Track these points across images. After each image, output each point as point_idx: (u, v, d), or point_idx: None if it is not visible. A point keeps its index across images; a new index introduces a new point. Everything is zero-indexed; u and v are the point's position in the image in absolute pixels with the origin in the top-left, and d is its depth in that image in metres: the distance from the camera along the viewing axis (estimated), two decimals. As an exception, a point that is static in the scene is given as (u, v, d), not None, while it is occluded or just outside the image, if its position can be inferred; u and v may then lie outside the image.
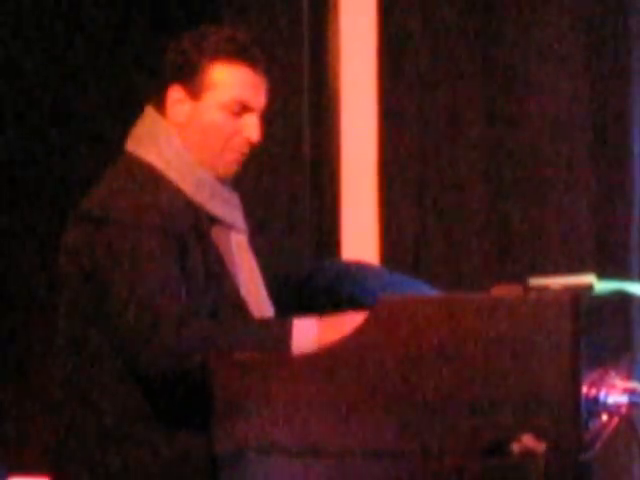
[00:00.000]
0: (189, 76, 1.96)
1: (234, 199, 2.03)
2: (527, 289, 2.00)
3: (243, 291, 1.98)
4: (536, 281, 2.08)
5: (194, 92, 1.96)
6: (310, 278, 2.16)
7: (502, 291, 1.94)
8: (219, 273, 1.95)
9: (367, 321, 1.68)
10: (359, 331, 1.67)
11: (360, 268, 2.27)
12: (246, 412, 1.71)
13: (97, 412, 1.85)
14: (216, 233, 1.98)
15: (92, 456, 1.87)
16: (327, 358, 1.70)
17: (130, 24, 3.03)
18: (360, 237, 3.34)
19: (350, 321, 1.72)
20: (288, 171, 3.27)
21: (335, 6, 3.28)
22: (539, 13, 3.18)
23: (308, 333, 1.76)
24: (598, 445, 1.85)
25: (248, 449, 1.70)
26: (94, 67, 3.03)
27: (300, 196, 3.26)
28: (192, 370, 1.71)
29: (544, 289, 2.00)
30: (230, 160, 1.99)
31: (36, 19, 2.99)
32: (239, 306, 1.96)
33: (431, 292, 2.16)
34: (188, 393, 1.76)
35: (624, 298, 2.55)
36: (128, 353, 1.80)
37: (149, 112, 2.00)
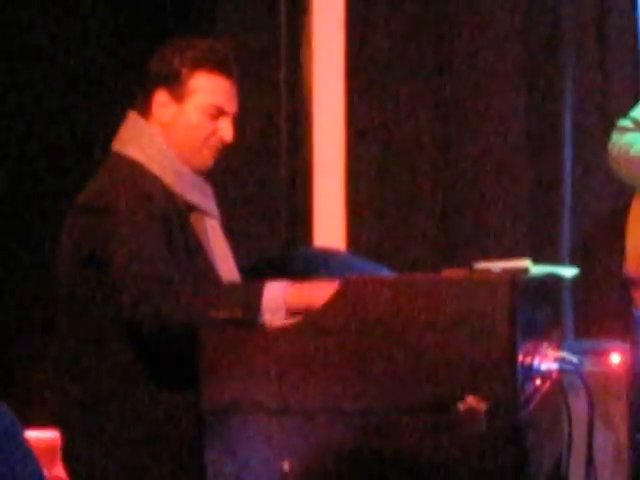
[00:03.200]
0: (173, 82, 2.16)
1: (208, 189, 2.25)
2: (472, 272, 2.18)
3: (217, 267, 2.18)
4: (480, 265, 2.28)
5: (178, 96, 2.16)
6: (286, 262, 2.35)
7: (451, 274, 2.13)
8: (197, 251, 2.15)
9: (334, 297, 1.83)
10: (327, 306, 1.83)
11: (329, 254, 2.49)
12: (229, 376, 1.86)
13: (95, 371, 2.05)
14: (193, 218, 2.20)
15: (94, 407, 2.05)
16: (299, 329, 1.86)
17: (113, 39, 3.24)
18: (329, 227, 3.66)
19: (318, 288, 1.90)
20: (268, 171, 3.59)
21: (309, 25, 3.61)
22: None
23: (278, 294, 1.91)
24: (532, 405, 2.01)
25: (231, 408, 1.86)
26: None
27: (278, 193, 3.58)
28: (178, 324, 1.91)
29: (487, 272, 2.18)
30: (206, 156, 2.21)
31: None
32: (214, 279, 2.16)
33: (389, 274, 2.36)
34: (175, 352, 1.94)
35: (555, 280, 2.78)
36: (127, 312, 1.98)
37: (132, 116, 2.21)
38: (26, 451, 1.48)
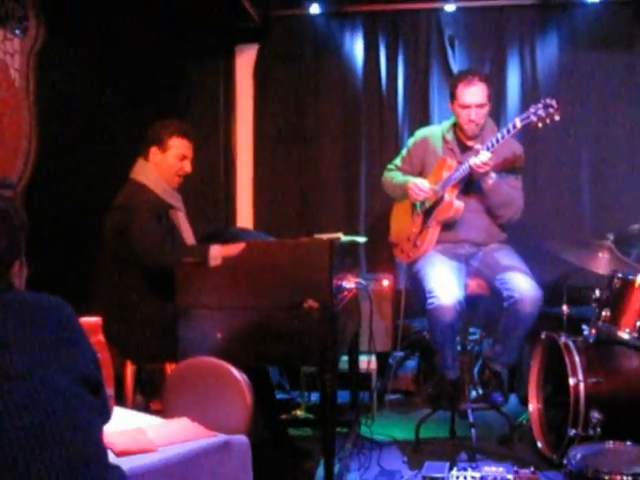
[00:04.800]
0: (160, 143, 3.42)
1: (179, 197, 3.51)
2: (313, 237, 3.52)
3: (184, 238, 3.44)
4: (318, 235, 3.58)
5: (162, 150, 3.43)
6: (222, 234, 3.69)
7: (305, 239, 3.42)
8: (175, 232, 3.40)
9: (241, 252, 3.02)
10: (238, 256, 3.01)
11: (243, 229, 3.88)
12: (190, 290, 3.06)
13: (126, 288, 3.31)
14: (171, 212, 3.44)
15: (124, 306, 3.31)
16: (225, 267, 3.04)
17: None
18: (244, 217, 5.42)
19: (234, 247, 3.09)
20: (214, 187, 5.31)
21: (234, 111, 5.50)
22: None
23: (216, 250, 3.10)
24: (341, 305, 3.17)
25: (191, 307, 3.06)
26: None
27: (218, 197, 5.35)
28: (167, 265, 3.14)
29: (320, 238, 3.46)
30: (177, 180, 3.49)
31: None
32: (183, 244, 3.41)
33: (271, 239, 3.77)
34: (164, 279, 3.15)
35: (356, 244, 4.26)
36: (140, 259, 3.22)
37: (140, 160, 3.45)
38: (79, 327, 1.76)
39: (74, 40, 3.86)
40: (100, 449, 1.71)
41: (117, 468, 1.78)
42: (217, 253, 3.09)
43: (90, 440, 1.67)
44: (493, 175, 3.94)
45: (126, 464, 1.96)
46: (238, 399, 2.68)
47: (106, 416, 1.91)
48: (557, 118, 3.65)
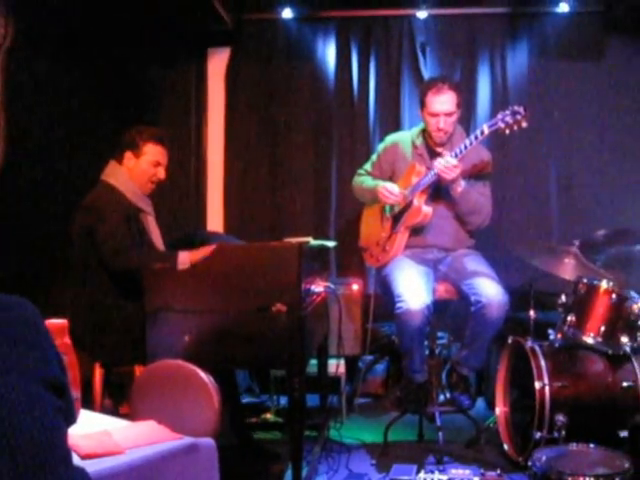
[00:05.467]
0: (134, 148, 3.42)
1: (149, 202, 3.51)
2: (283, 241, 3.55)
3: (154, 241, 3.44)
4: (288, 239, 3.62)
5: (136, 155, 3.43)
6: (192, 239, 3.67)
7: (274, 243, 3.39)
8: (144, 236, 3.39)
9: (210, 255, 3.02)
10: (206, 259, 3.01)
11: (213, 233, 3.88)
12: (158, 293, 3.05)
13: (93, 290, 3.30)
14: (142, 216, 3.44)
15: (91, 307, 3.30)
16: (194, 270, 3.04)
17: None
18: (214, 222, 5.41)
19: (202, 252, 3.11)
20: (184, 190, 5.27)
21: (206, 114, 5.51)
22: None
23: (185, 256, 3.14)
24: (309, 309, 3.18)
25: (160, 310, 3.05)
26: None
27: (188, 201, 5.35)
28: (134, 267, 3.13)
29: (289, 241, 3.49)
30: (150, 187, 3.50)
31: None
32: (152, 248, 3.40)
33: (241, 242, 3.73)
34: (134, 281, 3.14)
35: (326, 248, 4.23)
36: (107, 261, 3.22)
37: (112, 163, 3.45)
38: (43, 328, 1.72)
39: (43, 39, 3.82)
40: (65, 451, 1.68)
41: (81, 470, 1.78)
42: (186, 259, 3.11)
43: (54, 442, 1.62)
44: (462, 183, 3.99)
45: (91, 467, 1.97)
46: (206, 402, 2.69)
47: (71, 418, 1.88)
48: (525, 125, 3.70)
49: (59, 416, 1.66)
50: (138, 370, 3.24)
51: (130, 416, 2.73)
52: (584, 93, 5.18)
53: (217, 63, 5.49)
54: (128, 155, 3.46)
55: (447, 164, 3.85)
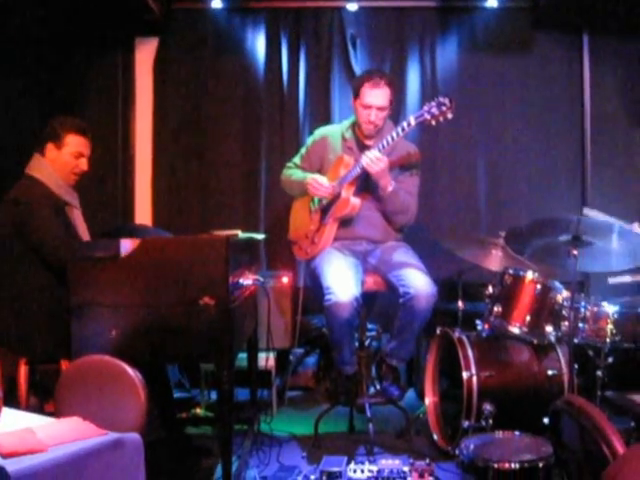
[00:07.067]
0: (56, 139, 3.38)
1: (75, 194, 3.48)
2: (211, 234, 3.55)
3: (79, 234, 3.40)
4: (217, 232, 3.64)
5: (58, 146, 3.40)
6: (120, 231, 3.66)
7: (201, 236, 3.37)
8: (71, 227, 3.36)
9: (136, 247, 2.96)
10: (133, 250, 2.94)
11: (141, 226, 3.84)
12: (85, 286, 2.96)
13: (18, 284, 3.26)
14: (67, 209, 3.40)
15: (17, 305, 3.25)
16: (122, 263, 2.96)
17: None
18: (143, 214, 5.31)
19: (133, 242, 3.03)
20: (110, 186, 5.26)
21: (133, 105, 5.42)
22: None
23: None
24: (237, 302, 3.16)
25: (86, 304, 2.97)
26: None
27: (116, 194, 5.25)
28: (66, 260, 3.02)
29: (217, 234, 3.50)
30: (73, 178, 3.46)
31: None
32: (79, 240, 3.37)
33: (168, 235, 3.75)
34: (61, 274, 3.08)
35: (256, 241, 4.28)
36: (46, 255, 3.18)
37: (36, 156, 3.41)
38: None
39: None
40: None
41: (0, 469, 1.76)
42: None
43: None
44: (393, 182, 4.04)
45: (14, 465, 1.94)
46: (131, 397, 2.68)
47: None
48: (450, 116, 3.76)
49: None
50: (64, 365, 3.19)
51: (55, 413, 2.70)
52: (512, 86, 5.31)
53: (145, 53, 5.44)
54: (50, 146, 3.42)
55: (373, 157, 3.90)
